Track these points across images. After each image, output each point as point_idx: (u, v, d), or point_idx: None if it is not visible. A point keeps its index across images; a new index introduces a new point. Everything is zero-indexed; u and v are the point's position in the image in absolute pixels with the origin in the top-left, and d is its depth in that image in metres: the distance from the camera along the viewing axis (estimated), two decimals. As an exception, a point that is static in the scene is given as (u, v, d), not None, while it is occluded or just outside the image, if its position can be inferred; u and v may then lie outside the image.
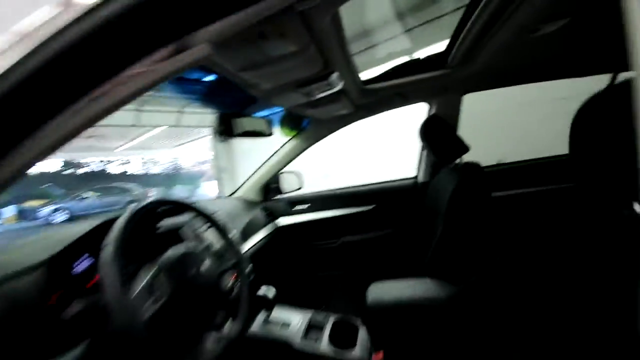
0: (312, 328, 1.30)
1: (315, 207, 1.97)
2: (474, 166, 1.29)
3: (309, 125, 1.82)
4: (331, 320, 1.33)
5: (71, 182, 14.28)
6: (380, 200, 1.91)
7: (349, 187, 2.00)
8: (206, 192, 15.14)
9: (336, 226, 1.93)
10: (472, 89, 1.61)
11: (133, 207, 0.79)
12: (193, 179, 17.30)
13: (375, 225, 1.90)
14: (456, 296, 1.18)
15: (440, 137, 1.35)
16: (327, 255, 1.94)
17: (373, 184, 1.99)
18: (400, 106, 1.70)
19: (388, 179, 2.00)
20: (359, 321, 1.33)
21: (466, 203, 1.19)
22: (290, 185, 1.94)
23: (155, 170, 18.30)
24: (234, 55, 0.83)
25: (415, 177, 1.91)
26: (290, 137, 1.86)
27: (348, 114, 1.70)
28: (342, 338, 1.24)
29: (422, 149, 1.86)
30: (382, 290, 1.26)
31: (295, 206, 2.00)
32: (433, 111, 1.70)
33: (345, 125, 1.80)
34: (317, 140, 1.83)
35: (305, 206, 1.99)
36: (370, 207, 1.91)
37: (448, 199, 1.19)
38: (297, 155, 1.86)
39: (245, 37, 0.75)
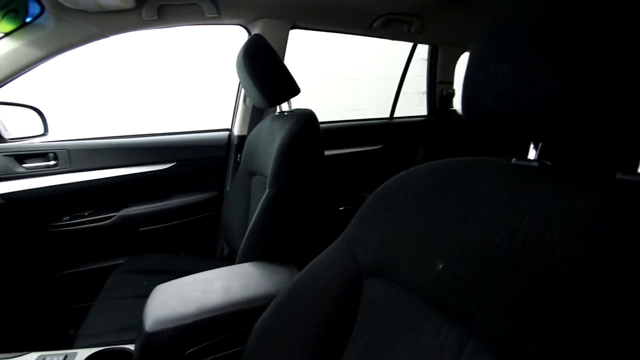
0: None
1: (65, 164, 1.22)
2: (307, 112, 0.97)
3: (46, 20, 1.02)
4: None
5: None
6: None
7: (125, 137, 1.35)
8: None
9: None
10: (299, 22, 1.38)
11: None
12: None
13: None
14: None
15: (268, 69, 0.99)
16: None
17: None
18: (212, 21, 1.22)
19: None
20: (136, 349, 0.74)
21: (300, 156, 0.91)
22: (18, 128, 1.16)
23: None
24: None
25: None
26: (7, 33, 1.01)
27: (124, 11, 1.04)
28: None
29: (239, 88, 1.44)
30: (168, 296, 0.70)
31: (26, 162, 1.19)
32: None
33: (123, 32, 1.11)
34: (64, 49, 1.06)
35: (51, 162, 1.21)
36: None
37: (277, 150, 0.90)
38: (22, 70, 1.04)
39: None
